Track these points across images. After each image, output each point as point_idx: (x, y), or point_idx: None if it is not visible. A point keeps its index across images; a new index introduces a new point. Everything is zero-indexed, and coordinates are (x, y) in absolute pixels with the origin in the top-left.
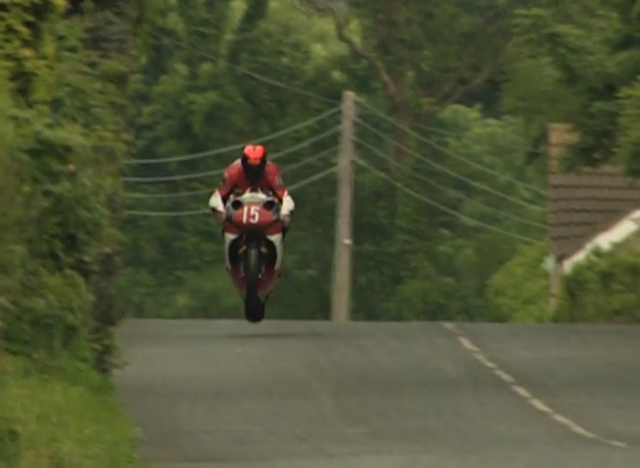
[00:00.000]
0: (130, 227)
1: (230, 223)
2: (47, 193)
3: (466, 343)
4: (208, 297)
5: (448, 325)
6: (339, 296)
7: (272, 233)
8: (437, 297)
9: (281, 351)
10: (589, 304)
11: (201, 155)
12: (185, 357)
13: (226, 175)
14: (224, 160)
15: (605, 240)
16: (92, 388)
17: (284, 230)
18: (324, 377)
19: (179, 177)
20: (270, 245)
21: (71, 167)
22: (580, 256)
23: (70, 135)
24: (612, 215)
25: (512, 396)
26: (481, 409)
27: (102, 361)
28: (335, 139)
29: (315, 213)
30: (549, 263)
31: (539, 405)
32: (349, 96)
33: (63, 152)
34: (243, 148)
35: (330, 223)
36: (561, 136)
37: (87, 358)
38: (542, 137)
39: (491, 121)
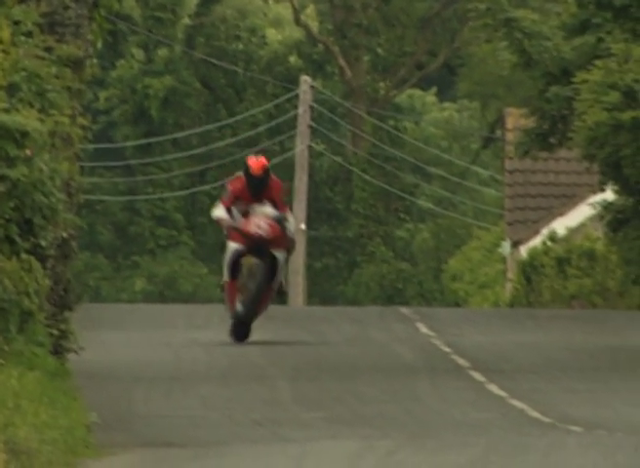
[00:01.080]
0: (86, 212)
1: (237, 231)
2: (3, 178)
3: (423, 328)
4: (164, 282)
5: (404, 310)
6: (294, 281)
7: (278, 248)
8: (393, 282)
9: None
10: (545, 289)
11: (157, 139)
12: (142, 342)
13: (229, 187)
14: (180, 145)
15: (561, 225)
16: (48, 373)
17: (289, 250)
18: (280, 362)
19: (134, 162)
20: (273, 260)
21: (28, 151)
22: (536, 241)
23: (26, 119)
24: (568, 200)
25: (468, 381)
26: (437, 394)
27: (59, 346)
28: (291, 124)
29: None
30: (505, 248)
31: (495, 389)
32: (306, 80)
33: (20, 137)
34: (245, 160)
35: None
36: (517, 120)
37: (43, 343)
38: (498, 122)
39: (447, 105)
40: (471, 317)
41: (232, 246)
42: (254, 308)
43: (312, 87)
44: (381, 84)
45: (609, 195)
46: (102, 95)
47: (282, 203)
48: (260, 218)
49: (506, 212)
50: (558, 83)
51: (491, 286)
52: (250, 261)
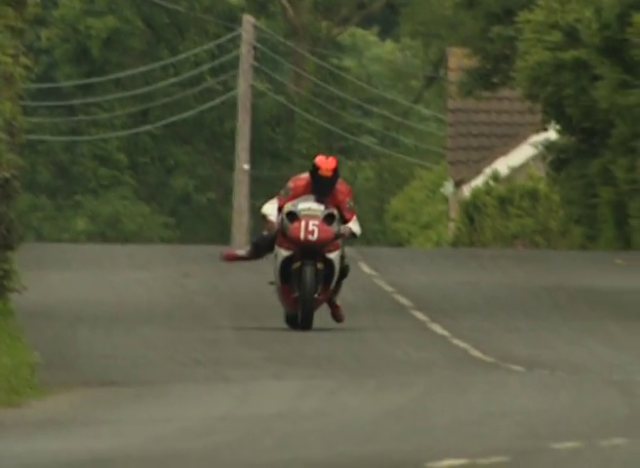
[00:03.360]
0: (28, 152)
1: (284, 238)
2: None
3: (365, 268)
4: (106, 222)
5: (347, 249)
6: (238, 221)
7: (332, 250)
8: None
9: (179, 276)
10: (488, 229)
11: (99, 80)
12: (84, 282)
13: (291, 185)
14: (122, 85)
15: (503, 164)
16: None
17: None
18: (223, 302)
19: (76, 102)
20: (328, 262)
21: None
22: (478, 181)
23: None
24: (510, 140)
25: (411, 320)
26: (379, 334)
27: (1, 285)
28: (234, 64)
29: (214, 137)
30: (448, 188)
31: (437, 329)
32: (248, 19)
33: None
34: (313, 158)
35: (229, 148)
36: (460, 60)
37: None
38: (441, 62)
39: (389, 45)
40: (414, 257)
41: (281, 253)
42: (310, 317)
43: (255, 26)
44: (324, 23)
45: (551, 134)
46: (44, 34)
47: (348, 210)
48: (309, 221)
49: (449, 151)
50: (501, 23)
51: (433, 226)
52: (297, 267)
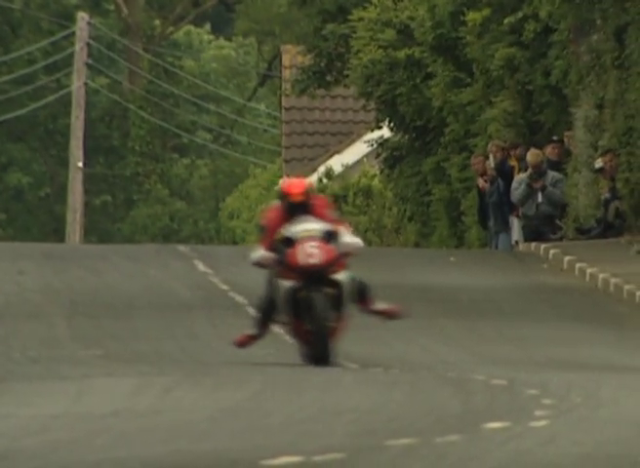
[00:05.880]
0: None
1: (284, 268)
2: None
3: (201, 266)
4: None
5: (182, 247)
6: (72, 219)
7: (337, 270)
8: (168, 221)
9: (13, 274)
10: None
11: None
12: None
13: (264, 222)
14: None
15: (338, 162)
16: None
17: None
18: (57, 300)
19: None
20: (336, 284)
21: None
22: (313, 179)
23: None
24: (344, 138)
25: (246, 318)
26: (214, 332)
27: None
28: (68, 61)
29: (48, 134)
30: None
31: (272, 326)
32: (82, 17)
33: None
34: (279, 186)
35: (63, 145)
36: (294, 58)
37: None
38: (275, 60)
39: (223, 43)
40: (249, 254)
41: (284, 285)
42: (326, 348)
43: (89, 24)
44: (157, 21)
45: (385, 132)
46: None
47: (335, 221)
48: (307, 243)
49: (283, 149)
50: (335, 21)
51: None
52: (304, 296)
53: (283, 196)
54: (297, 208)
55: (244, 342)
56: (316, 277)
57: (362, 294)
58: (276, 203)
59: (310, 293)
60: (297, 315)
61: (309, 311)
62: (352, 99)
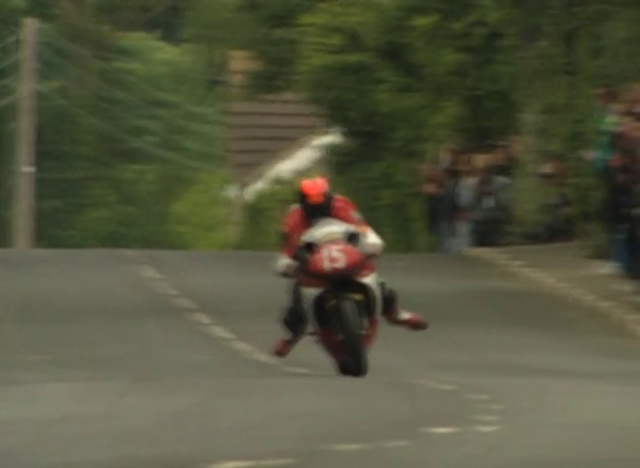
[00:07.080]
0: None
1: (307, 275)
2: None
3: (149, 271)
4: None
5: (131, 252)
6: (21, 224)
7: (365, 274)
8: (117, 226)
9: None
10: (271, 232)
11: None
12: None
13: (285, 229)
14: None
15: (286, 167)
16: None
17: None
18: (7, 305)
19: None
20: (364, 289)
21: None
22: (261, 184)
23: None
24: (293, 143)
25: (195, 323)
26: (163, 337)
27: None
28: (16, 67)
29: None
30: (230, 191)
31: (221, 331)
32: (30, 22)
33: None
34: (298, 188)
35: (11, 150)
36: (242, 63)
37: None
38: (223, 65)
39: (170, 48)
40: (198, 259)
41: (310, 293)
42: (360, 357)
43: (38, 29)
44: (106, 27)
45: (334, 138)
46: None
47: (357, 222)
48: (331, 247)
49: (232, 154)
50: (283, 26)
51: (217, 229)
52: (333, 305)
53: (302, 198)
54: (316, 210)
55: (282, 349)
56: (342, 282)
57: (389, 304)
58: (295, 206)
59: (339, 302)
60: (324, 324)
61: (339, 321)
62: (301, 105)
